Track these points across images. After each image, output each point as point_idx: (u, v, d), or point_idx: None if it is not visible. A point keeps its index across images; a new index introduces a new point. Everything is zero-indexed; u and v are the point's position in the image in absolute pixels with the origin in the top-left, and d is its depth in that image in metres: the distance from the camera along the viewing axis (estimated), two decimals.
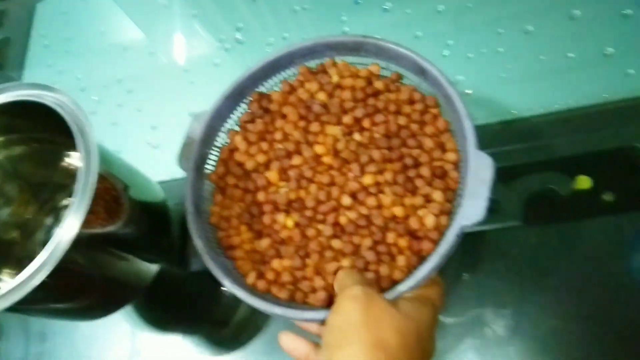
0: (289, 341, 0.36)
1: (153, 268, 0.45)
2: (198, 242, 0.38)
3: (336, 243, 0.37)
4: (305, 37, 0.43)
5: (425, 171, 0.38)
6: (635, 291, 0.45)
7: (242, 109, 0.45)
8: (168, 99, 0.68)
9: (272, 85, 0.45)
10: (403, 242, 0.36)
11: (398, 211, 0.37)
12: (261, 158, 0.42)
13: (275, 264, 0.38)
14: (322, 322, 0.33)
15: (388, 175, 0.38)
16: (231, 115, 0.44)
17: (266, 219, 0.40)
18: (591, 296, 0.46)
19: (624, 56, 0.54)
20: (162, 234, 0.47)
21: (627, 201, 0.48)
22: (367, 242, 0.37)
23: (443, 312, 0.48)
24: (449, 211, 0.36)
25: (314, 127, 0.41)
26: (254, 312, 0.53)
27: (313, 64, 0.44)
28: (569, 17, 0.57)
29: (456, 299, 0.48)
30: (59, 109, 0.37)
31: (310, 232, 0.38)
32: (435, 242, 0.35)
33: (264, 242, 0.39)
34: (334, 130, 0.41)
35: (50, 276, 0.32)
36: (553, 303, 0.46)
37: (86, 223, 0.33)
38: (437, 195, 0.37)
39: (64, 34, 0.78)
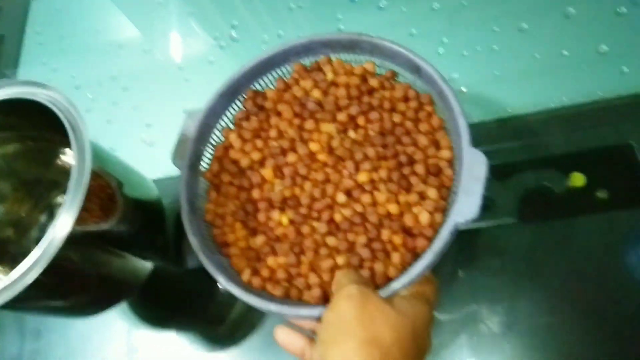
0: (285, 336, 0.36)
1: (148, 265, 0.45)
2: (193, 240, 0.38)
3: (331, 240, 0.38)
4: (301, 35, 0.43)
5: (419, 169, 0.38)
6: (629, 287, 0.46)
7: (236, 107, 0.45)
8: (163, 96, 0.68)
9: (267, 83, 0.45)
10: (398, 239, 0.36)
11: (393, 208, 0.37)
12: (256, 155, 0.42)
13: (270, 261, 0.38)
14: (317, 319, 0.34)
15: (383, 173, 0.38)
16: (226, 113, 0.44)
17: (261, 217, 0.40)
18: (585, 292, 0.46)
19: (619, 54, 0.54)
20: (157, 232, 0.47)
21: (621, 198, 0.48)
22: (362, 239, 0.37)
23: (437, 309, 0.48)
24: (443, 208, 0.37)
25: (309, 124, 0.41)
26: (250, 309, 0.52)
27: (308, 61, 0.44)
28: (563, 15, 0.57)
29: (451, 296, 0.48)
30: (52, 107, 0.37)
31: (305, 229, 0.38)
32: (430, 239, 0.35)
33: (259, 240, 0.39)
34: (328, 127, 0.41)
35: (44, 273, 0.32)
36: (547, 299, 0.47)
37: (79, 220, 0.33)
38: (432, 193, 0.37)
39: (59, 32, 0.77)
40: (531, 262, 0.48)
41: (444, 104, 0.38)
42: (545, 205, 0.50)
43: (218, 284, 0.37)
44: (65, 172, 0.35)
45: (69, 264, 0.36)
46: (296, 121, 0.42)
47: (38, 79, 0.40)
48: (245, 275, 0.38)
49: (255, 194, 0.41)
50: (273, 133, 0.42)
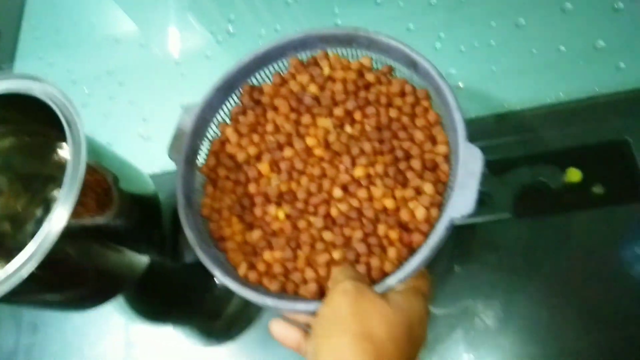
0: (280, 329, 0.36)
1: (144, 260, 0.45)
2: (189, 234, 0.38)
3: (327, 235, 0.38)
4: (298, 29, 0.43)
5: (416, 164, 0.38)
6: (625, 282, 0.46)
7: (233, 101, 0.45)
8: (160, 91, 0.67)
9: (264, 78, 0.45)
10: (394, 234, 0.36)
11: (389, 203, 0.37)
12: (252, 150, 0.42)
13: (267, 255, 0.38)
14: (313, 314, 0.34)
15: (379, 168, 0.38)
16: (222, 108, 0.44)
17: (257, 211, 0.40)
18: (581, 287, 0.46)
19: (615, 49, 0.54)
20: (153, 226, 0.47)
21: (617, 194, 0.48)
22: (358, 234, 0.37)
23: (433, 304, 0.48)
24: (439, 203, 0.37)
25: (305, 119, 0.41)
26: (247, 304, 0.53)
27: (304, 56, 0.44)
28: (561, 10, 0.57)
29: (447, 291, 0.48)
30: (48, 101, 0.37)
31: (302, 224, 0.38)
32: (426, 234, 0.36)
33: (255, 234, 0.39)
34: (325, 122, 0.41)
35: (40, 267, 0.32)
36: (543, 294, 0.47)
37: (75, 214, 0.33)
38: (428, 188, 0.37)
39: (55, 26, 0.77)
40: (527, 257, 0.48)
41: (440, 99, 0.38)
42: (541, 201, 0.50)
43: (215, 279, 0.37)
44: (62, 166, 0.35)
45: (65, 258, 0.36)
46: (293, 116, 0.42)
47: (34, 73, 0.40)
48: (242, 269, 0.38)
49: (252, 188, 0.41)
50: (269, 128, 0.42)
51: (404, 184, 0.38)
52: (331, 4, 0.65)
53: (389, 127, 0.40)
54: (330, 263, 0.37)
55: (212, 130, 0.44)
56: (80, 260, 0.38)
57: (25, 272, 0.32)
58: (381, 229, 0.37)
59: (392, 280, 0.33)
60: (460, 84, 0.57)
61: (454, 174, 0.36)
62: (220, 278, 0.36)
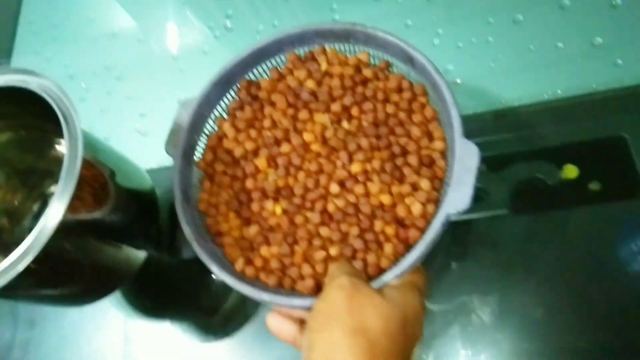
0: (276, 323, 0.36)
1: (141, 255, 0.45)
2: (186, 229, 0.38)
3: (324, 230, 0.38)
4: (296, 24, 0.43)
5: (412, 159, 0.38)
6: (621, 279, 0.46)
7: (230, 97, 0.45)
8: (157, 86, 0.67)
9: (261, 73, 0.45)
10: (390, 230, 0.36)
11: (385, 199, 0.37)
12: (250, 145, 0.42)
13: (264, 250, 0.38)
14: (309, 310, 0.34)
15: (376, 164, 0.38)
16: (220, 103, 0.44)
17: (254, 206, 0.40)
18: (577, 284, 0.47)
19: (613, 46, 0.54)
20: (151, 222, 0.47)
21: (613, 190, 0.49)
22: (355, 230, 0.37)
23: (430, 299, 0.48)
24: (436, 199, 0.37)
25: (303, 114, 0.41)
26: (244, 300, 0.53)
27: (302, 51, 0.44)
28: (559, 7, 0.57)
29: (444, 287, 0.49)
30: (44, 95, 0.37)
31: (299, 219, 0.38)
32: (422, 230, 0.36)
33: (253, 229, 0.39)
34: (322, 118, 0.41)
35: (36, 262, 0.32)
36: (539, 290, 0.47)
37: (71, 209, 0.33)
38: (425, 184, 0.37)
39: (53, 21, 0.77)
40: (524, 253, 0.49)
41: (437, 94, 0.38)
42: (538, 197, 0.50)
43: (212, 274, 0.37)
44: (59, 161, 0.35)
45: (62, 253, 0.36)
46: (290, 111, 0.42)
47: (31, 68, 0.40)
48: (239, 264, 0.38)
49: (249, 183, 0.41)
50: (267, 123, 0.42)
51: (401, 179, 0.38)
52: (329, 0, 0.65)
53: (386, 123, 0.40)
54: (327, 260, 0.37)
55: (210, 125, 0.44)
56: (77, 254, 0.38)
57: (21, 267, 0.32)
58: (378, 224, 0.37)
59: (388, 277, 0.33)
60: (458, 80, 0.57)
61: (451, 170, 0.36)
62: (217, 273, 0.36)
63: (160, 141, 0.43)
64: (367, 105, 0.40)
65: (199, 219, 0.41)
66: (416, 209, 0.36)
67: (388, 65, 0.42)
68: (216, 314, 0.54)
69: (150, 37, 0.71)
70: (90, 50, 0.73)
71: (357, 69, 0.42)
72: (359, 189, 0.38)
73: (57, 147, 0.49)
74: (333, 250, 0.37)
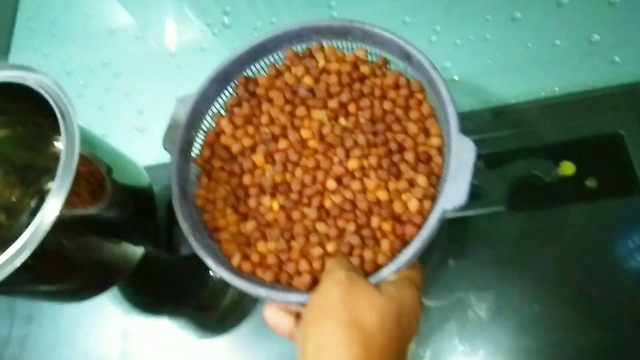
0: (273, 316, 0.36)
1: (139, 251, 0.45)
2: (184, 224, 0.38)
3: (321, 226, 0.38)
4: (293, 21, 0.43)
5: (409, 156, 0.38)
6: (618, 276, 0.46)
7: (228, 93, 0.45)
8: (155, 83, 0.67)
9: (259, 69, 0.45)
10: (387, 226, 0.36)
11: (382, 195, 0.37)
12: (247, 141, 0.42)
13: (261, 246, 0.38)
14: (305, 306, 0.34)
15: (373, 160, 0.38)
16: (217, 99, 0.44)
17: (252, 202, 0.40)
18: (574, 281, 0.47)
19: (610, 44, 0.54)
20: (148, 218, 0.47)
21: (610, 187, 0.49)
22: (352, 226, 0.37)
23: (427, 296, 0.48)
24: (432, 196, 0.37)
25: (300, 111, 0.41)
26: (241, 296, 0.53)
27: (300, 48, 0.44)
28: (556, 4, 0.57)
29: (441, 283, 0.49)
30: (41, 91, 0.37)
31: (296, 215, 0.38)
32: (419, 227, 0.36)
33: (250, 225, 0.39)
34: (319, 114, 0.41)
35: (33, 257, 0.32)
36: (536, 287, 0.47)
37: (68, 205, 0.33)
38: (421, 180, 0.37)
39: (50, 17, 0.77)
40: (520, 250, 0.49)
41: (434, 91, 0.38)
42: (535, 194, 0.50)
43: (209, 271, 0.37)
44: (56, 158, 0.35)
45: (59, 248, 0.36)
46: (287, 108, 0.42)
47: (29, 64, 0.39)
48: (236, 260, 0.38)
49: (246, 179, 0.41)
50: (264, 119, 0.42)
51: (398, 176, 0.38)
52: None
53: (383, 119, 0.40)
54: (324, 256, 0.37)
55: (207, 122, 0.44)
56: (74, 250, 0.39)
57: (18, 262, 0.32)
58: (374, 221, 0.37)
59: (385, 273, 0.34)
60: (456, 78, 0.57)
61: (447, 166, 0.36)
62: (214, 268, 0.36)
63: (158, 138, 0.43)
64: (365, 102, 0.40)
65: (197, 215, 0.41)
66: (413, 205, 0.36)
67: (385, 62, 0.42)
68: (214, 310, 0.54)
69: (148, 34, 0.71)
70: (88, 47, 0.73)
71: (355, 65, 0.42)
72: (355, 185, 0.38)
73: (55, 143, 0.49)
74: (330, 247, 0.37)
